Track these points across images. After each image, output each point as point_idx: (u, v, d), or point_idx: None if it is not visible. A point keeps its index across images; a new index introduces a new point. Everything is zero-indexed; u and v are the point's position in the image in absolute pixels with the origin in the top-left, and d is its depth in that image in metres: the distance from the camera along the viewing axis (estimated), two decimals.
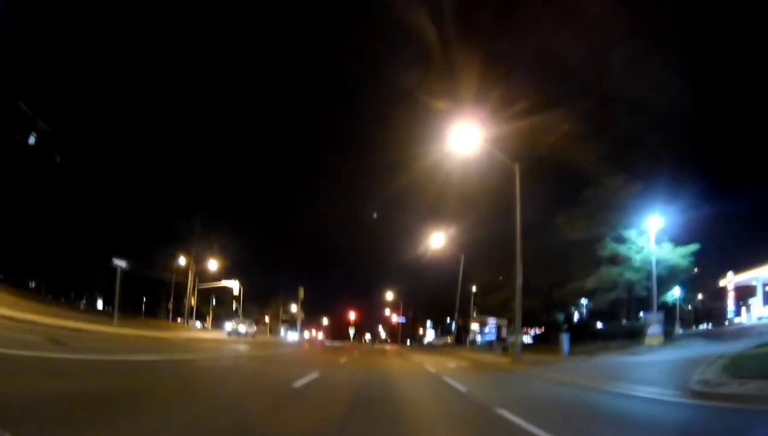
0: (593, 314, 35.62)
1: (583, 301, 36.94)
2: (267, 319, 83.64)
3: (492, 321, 32.62)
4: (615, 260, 26.36)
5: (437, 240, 39.88)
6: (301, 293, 51.21)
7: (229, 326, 42.40)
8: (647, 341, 21.49)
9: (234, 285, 50.68)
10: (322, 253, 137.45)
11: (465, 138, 20.95)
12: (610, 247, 26.21)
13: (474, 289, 53.45)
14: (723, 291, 36.38)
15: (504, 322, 30.51)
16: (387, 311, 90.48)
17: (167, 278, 54.90)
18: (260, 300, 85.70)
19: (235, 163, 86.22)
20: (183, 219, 53.17)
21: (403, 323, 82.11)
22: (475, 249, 38.55)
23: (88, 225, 46.66)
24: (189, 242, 52.97)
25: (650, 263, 24.77)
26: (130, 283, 58.59)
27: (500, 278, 39.24)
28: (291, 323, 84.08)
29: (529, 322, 37.50)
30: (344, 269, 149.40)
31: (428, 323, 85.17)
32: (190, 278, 50.06)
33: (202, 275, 54.14)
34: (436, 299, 73.10)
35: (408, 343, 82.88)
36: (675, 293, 34.09)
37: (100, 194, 46.02)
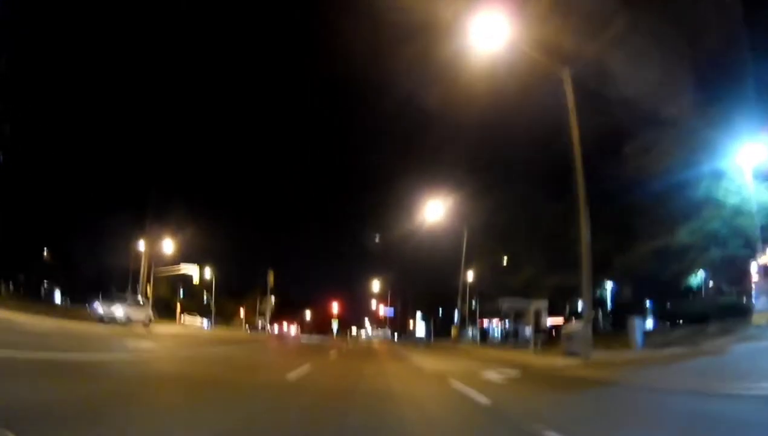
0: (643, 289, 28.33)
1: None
2: (242, 312, 76.34)
3: (527, 306, 24.18)
4: (707, 206, 19.44)
5: (433, 211, 32.49)
6: (271, 277, 42.42)
7: (101, 307, 24.55)
8: (755, 319, 14.91)
9: (194, 271, 43.06)
10: (302, 240, 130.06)
11: (489, 32, 14.07)
12: (707, 187, 19.22)
13: (472, 276, 46.96)
14: None
15: (542, 304, 23.07)
16: (374, 304, 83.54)
17: (125, 264, 46.85)
18: (236, 293, 78.23)
19: (212, 146, 79.01)
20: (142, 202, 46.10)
21: (391, 317, 75.19)
22: (484, 219, 31.45)
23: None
24: (148, 225, 45.46)
25: (749, 209, 17.91)
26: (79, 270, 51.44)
27: (509, 255, 32.47)
28: (292, 321, 77.09)
29: (559, 306, 30.36)
30: (327, 257, 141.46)
31: (418, 314, 78.53)
32: (143, 264, 42.43)
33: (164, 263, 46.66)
34: (430, 287, 66.60)
35: (395, 337, 76.02)
36: None
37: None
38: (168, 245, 43.14)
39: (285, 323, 37.02)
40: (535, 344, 22.68)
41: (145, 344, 13.85)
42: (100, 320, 23.20)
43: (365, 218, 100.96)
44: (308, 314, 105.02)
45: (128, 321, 24.64)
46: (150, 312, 28.60)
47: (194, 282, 43.64)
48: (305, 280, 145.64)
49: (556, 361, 16.32)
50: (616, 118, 20.53)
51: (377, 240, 47.43)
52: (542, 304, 22.68)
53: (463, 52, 15.49)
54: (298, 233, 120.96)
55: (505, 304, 26.62)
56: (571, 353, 16.52)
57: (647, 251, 21.34)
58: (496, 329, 40.91)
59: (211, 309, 67.35)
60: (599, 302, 29.83)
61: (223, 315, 72.84)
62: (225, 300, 73.15)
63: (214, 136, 76.72)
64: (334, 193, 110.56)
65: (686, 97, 19.60)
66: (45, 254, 53.77)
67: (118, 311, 24.67)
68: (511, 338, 27.33)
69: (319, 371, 11.04)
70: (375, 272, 75.85)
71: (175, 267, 44.08)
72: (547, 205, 26.26)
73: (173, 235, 44.27)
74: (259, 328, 61.18)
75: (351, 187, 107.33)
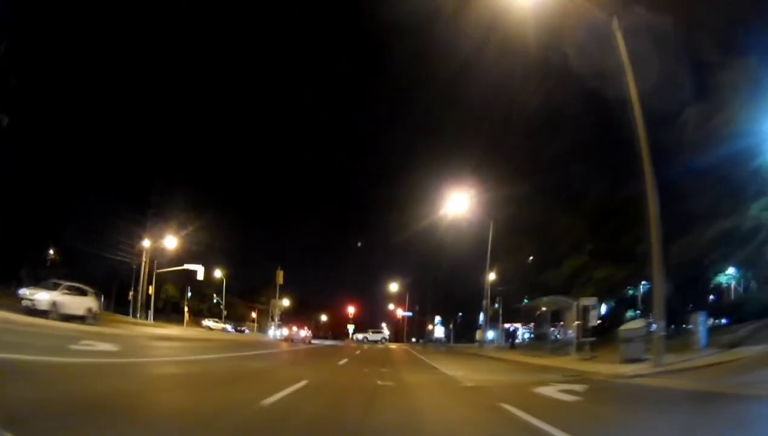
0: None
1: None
2: (255, 315, 73.82)
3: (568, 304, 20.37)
4: None
5: (455, 204, 29.08)
6: (280, 276, 39.61)
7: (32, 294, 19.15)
8: None
9: (199, 269, 40.41)
10: (319, 243, 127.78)
11: None
12: None
13: (494, 276, 43.68)
14: None
15: (591, 301, 19.34)
16: (391, 306, 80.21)
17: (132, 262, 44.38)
18: (248, 295, 75.64)
19: (224, 143, 77.26)
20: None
21: (409, 317, 71.88)
22: (511, 211, 27.82)
23: None
24: (151, 221, 43.09)
25: None
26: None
27: (543, 249, 28.78)
28: (280, 320, 74.26)
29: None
30: (344, 259, 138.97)
31: (437, 318, 75.15)
32: (144, 262, 40.01)
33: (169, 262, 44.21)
34: (449, 289, 63.28)
35: (412, 340, 72.58)
36: None
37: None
38: (171, 242, 40.49)
39: (295, 327, 33.56)
40: (580, 347, 19.24)
41: (103, 346, 10.88)
42: (29, 311, 17.92)
43: (384, 216, 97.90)
44: (324, 318, 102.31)
45: (54, 313, 18.67)
46: (95, 305, 22.34)
47: (199, 278, 40.75)
48: (322, 283, 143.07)
49: (617, 368, 12.97)
50: (672, 78, 17.06)
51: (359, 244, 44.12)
52: (590, 301, 19.15)
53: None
54: (313, 234, 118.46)
55: (542, 303, 23.13)
56: (631, 359, 13.33)
57: (711, 235, 17.63)
58: (520, 332, 37.42)
59: (222, 311, 64.93)
60: (634, 300, 26.17)
61: (234, 318, 70.36)
62: (236, 302, 70.78)
63: (226, 134, 74.50)
64: (350, 190, 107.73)
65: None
66: (51, 252, 51.62)
67: (42, 298, 18.69)
68: (543, 340, 23.86)
69: (316, 389, 7.90)
70: (393, 273, 72.74)
71: (179, 267, 41.47)
72: (591, 186, 22.91)
73: (179, 232, 41.78)
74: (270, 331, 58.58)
75: (368, 182, 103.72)
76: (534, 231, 27.57)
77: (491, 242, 28.90)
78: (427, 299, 66.82)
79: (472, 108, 35.46)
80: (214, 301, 65.45)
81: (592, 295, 20.34)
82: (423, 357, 22.42)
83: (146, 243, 41.08)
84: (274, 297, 78.19)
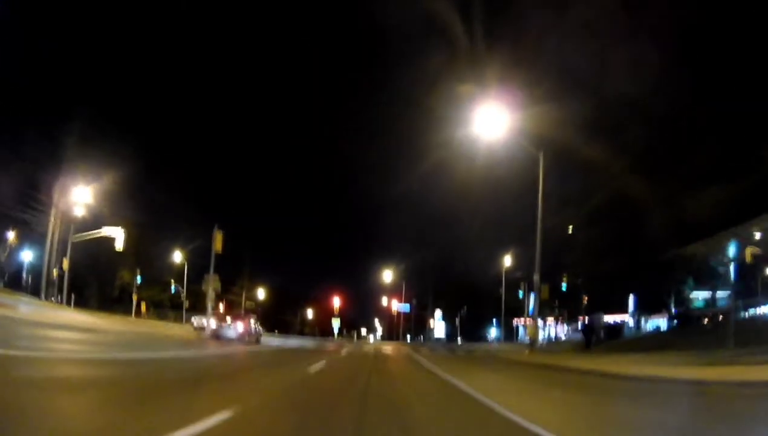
0: None
1: None
2: (222, 307, 62.55)
3: None
4: None
5: (479, 127, 18.46)
6: (218, 240, 25.14)
7: None
8: None
9: (118, 235, 29.27)
10: (301, 222, 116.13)
11: None
12: None
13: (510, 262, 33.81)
14: None
15: None
16: (384, 301, 69.10)
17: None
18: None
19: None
20: None
21: (405, 313, 61.08)
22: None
23: None
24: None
25: None
26: None
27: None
28: (246, 312, 62.74)
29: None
30: (330, 243, 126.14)
31: (437, 313, 64.44)
32: (52, 222, 28.97)
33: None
34: (455, 276, 52.99)
35: (407, 339, 61.86)
36: None
37: None
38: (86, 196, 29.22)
39: (229, 318, 21.46)
40: None
41: None
42: None
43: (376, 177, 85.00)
44: (310, 314, 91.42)
45: None
46: None
47: (117, 247, 29.64)
48: (307, 274, 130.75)
49: None
50: None
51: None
52: None
53: None
54: (294, 209, 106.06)
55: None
56: None
57: None
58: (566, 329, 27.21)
59: (183, 302, 53.95)
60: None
61: (200, 310, 59.31)
62: (202, 291, 59.41)
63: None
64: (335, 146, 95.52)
65: None
66: None
67: None
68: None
69: None
70: (387, 257, 61.78)
71: (94, 233, 30.17)
72: None
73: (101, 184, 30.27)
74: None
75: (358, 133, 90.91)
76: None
77: (542, 178, 18.39)
78: (428, 287, 56.33)
79: None
80: (173, 289, 54.40)
81: None
82: (439, 369, 11.85)
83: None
84: (250, 288, 67.19)
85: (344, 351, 20.34)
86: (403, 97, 63.26)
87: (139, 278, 48.15)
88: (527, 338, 28.49)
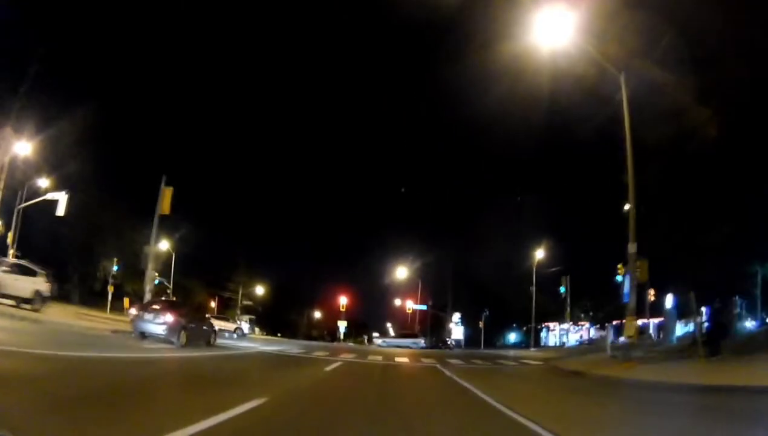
0: None
1: None
2: (214, 303, 56.37)
3: None
4: None
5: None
6: (167, 196, 18.40)
7: None
8: None
9: (60, 199, 22.83)
10: (310, 216, 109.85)
11: None
12: None
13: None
14: None
15: None
16: (398, 302, 61.98)
17: None
18: (210, 278, 57.37)
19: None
20: None
21: (422, 311, 54.02)
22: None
23: None
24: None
25: None
26: None
27: None
28: (244, 312, 56.54)
29: None
30: (341, 241, 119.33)
31: (455, 316, 57.59)
32: None
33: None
34: (479, 275, 46.56)
35: (423, 342, 54.71)
36: None
37: None
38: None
39: (164, 308, 15.25)
40: None
41: None
42: None
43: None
44: (318, 315, 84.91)
45: None
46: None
47: (59, 212, 23.00)
48: (316, 274, 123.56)
49: None
50: None
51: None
52: None
53: None
54: (303, 200, 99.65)
55: None
56: None
57: None
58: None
59: (168, 296, 47.80)
60: None
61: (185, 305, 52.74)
62: (191, 285, 53.23)
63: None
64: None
65: None
66: None
67: None
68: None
69: None
70: (401, 253, 54.80)
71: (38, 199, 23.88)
72: None
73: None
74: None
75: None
76: None
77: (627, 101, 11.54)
78: (447, 286, 49.65)
79: None
80: (156, 281, 48.14)
81: None
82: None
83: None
84: (246, 284, 60.27)
85: (331, 367, 12.44)
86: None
87: (115, 267, 41.91)
88: (610, 340, 21.51)
